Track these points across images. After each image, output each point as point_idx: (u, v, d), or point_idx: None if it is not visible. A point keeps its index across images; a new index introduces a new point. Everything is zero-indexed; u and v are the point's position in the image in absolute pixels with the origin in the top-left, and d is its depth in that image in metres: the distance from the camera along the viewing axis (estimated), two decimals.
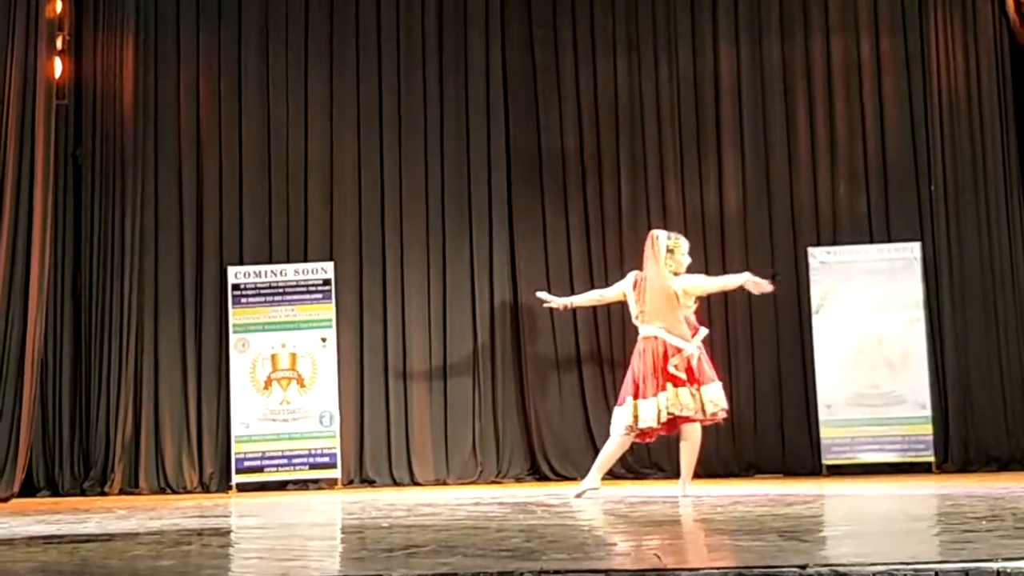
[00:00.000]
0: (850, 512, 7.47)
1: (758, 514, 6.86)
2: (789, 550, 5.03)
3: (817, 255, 11.03)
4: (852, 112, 11.35)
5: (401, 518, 7.40)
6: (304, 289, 11.13)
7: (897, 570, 4.19)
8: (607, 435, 8.81)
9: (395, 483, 11.10)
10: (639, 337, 8.64)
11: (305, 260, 11.28)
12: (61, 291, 11.24)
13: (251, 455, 10.94)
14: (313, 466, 10.98)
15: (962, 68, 11.25)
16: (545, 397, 11.34)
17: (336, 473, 10.98)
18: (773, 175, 11.36)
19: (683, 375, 8.42)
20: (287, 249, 11.35)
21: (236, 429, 10.96)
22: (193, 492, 10.91)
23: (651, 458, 10.86)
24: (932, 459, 10.70)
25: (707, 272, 9.60)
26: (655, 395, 8.40)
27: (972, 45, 11.26)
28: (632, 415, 8.47)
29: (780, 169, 11.35)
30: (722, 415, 8.59)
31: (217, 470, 11.07)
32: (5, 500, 10.03)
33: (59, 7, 10.89)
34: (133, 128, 11.39)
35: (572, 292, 10.35)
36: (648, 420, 8.42)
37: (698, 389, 8.45)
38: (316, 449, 10.98)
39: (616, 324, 10.84)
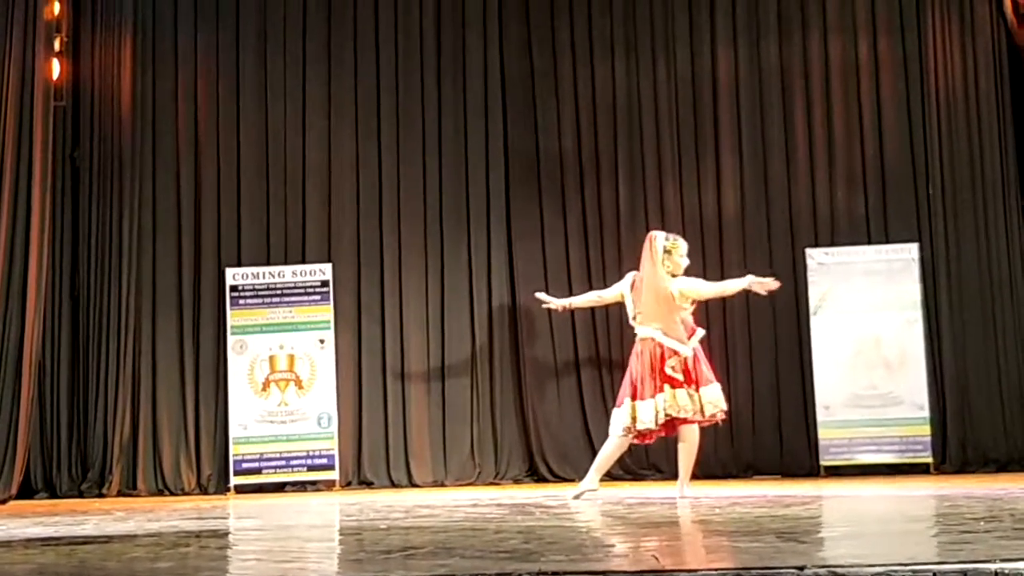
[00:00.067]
0: (848, 513, 7.47)
1: (756, 515, 6.86)
2: (787, 551, 5.04)
3: (815, 256, 11.03)
4: (850, 113, 11.36)
5: (399, 520, 7.41)
6: (302, 291, 11.12)
7: (895, 571, 4.19)
8: (605, 436, 8.82)
9: (393, 485, 11.10)
10: (637, 338, 8.65)
11: (303, 262, 11.27)
12: (59, 292, 11.23)
13: (249, 457, 10.94)
14: (311, 468, 10.97)
15: (960, 69, 11.25)
16: (543, 398, 11.33)
17: (334, 475, 10.98)
18: (771, 176, 11.36)
19: (680, 376, 8.43)
20: (285, 251, 11.35)
21: (234, 431, 10.95)
22: (191, 494, 10.90)
23: (649, 459, 10.86)
24: (930, 460, 10.70)
25: (705, 274, 9.62)
26: (653, 396, 8.41)
27: (970, 46, 11.26)
28: (630, 416, 8.48)
29: (778, 170, 11.35)
30: (721, 416, 8.60)
31: (215, 472, 11.07)
32: (3, 502, 10.02)
33: (57, 9, 10.88)
34: (131, 130, 11.38)
35: (570, 293, 10.34)
36: (646, 421, 8.42)
37: (696, 390, 8.45)
38: (314, 451, 10.97)
39: (614, 325, 10.83)
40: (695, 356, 8.55)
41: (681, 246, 8.72)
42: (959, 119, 11.21)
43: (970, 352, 10.96)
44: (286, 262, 11.26)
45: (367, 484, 11.11)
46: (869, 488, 9.15)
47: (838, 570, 4.22)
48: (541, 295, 9.44)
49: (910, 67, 11.31)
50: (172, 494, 10.89)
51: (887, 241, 11.09)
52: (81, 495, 10.87)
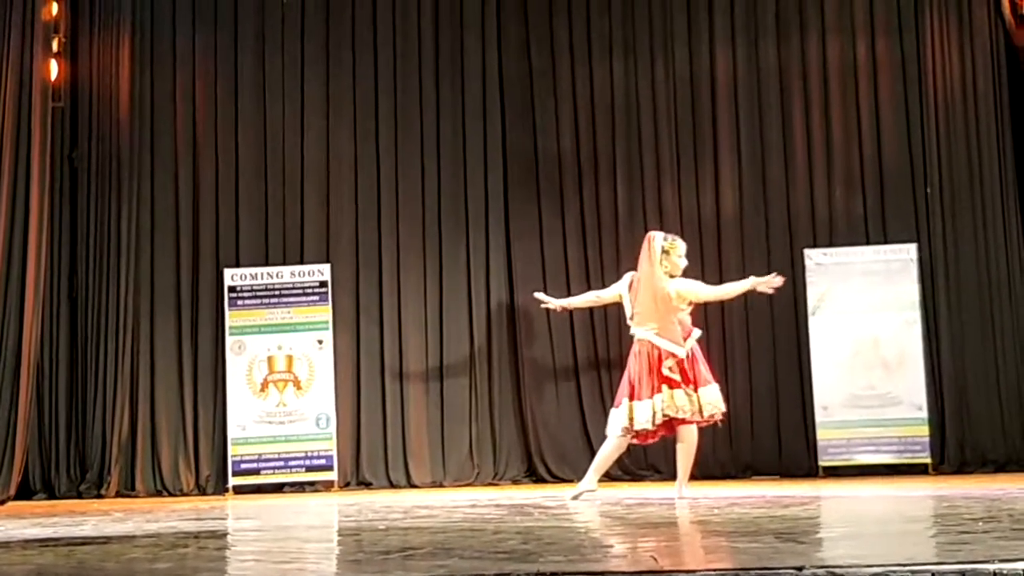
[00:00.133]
0: (846, 514, 7.47)
1: (755, 516, 6.86)
2: (786, 551, 5.04)
3: (813, 257, 11.03)
4: (848, 114, 11.36)
5: (398, 520, 7.40)
6: (300, 291, 11.12)
7: (894, 571, 4.19)
8: (604, 437, 8.81)
9: (392, 485, 11.09)
10: (634, 339, 8.65)
11: (301, 262, 11.27)
12: (57, 293, 11.23)
13: (247, 457, 10.93)
14: (310, 468, 10.97)
15: (958, 70, 11.25)
16: (542, 399, 11.33)
17: (333, 475, 10.97)
18: (769, 177, 11.36)
19: (678, 377, 8.42)
20: (283, 251, 11.35)
21: (232, 431, 10.95)
22: (189, 494, 10.90)
23: (648, 460, 10.86)
24: (928, 461, 10.70)
25: (704, 275, 9.62)
26: (650, 397, 8.40)
27: (968, 46, 11.26)
28: (628, 417, 8.47)
29: (776, 170, 11.35)
30: (719, 417, 8.59)
31: (213, 472, 11.07)
32: (1, 503, 10.02)
33: (55, 9, 10.87)
34: (129, 130, 11.38)
35: (569, 294, 10.34)
36: (643, 422, 8.42)
37: (695, 391, 8.45)
38: (312, 451, 10.97)
39: (613, 326, 10.82)
40: (693, 357, 8.55)
41: (679, 246, 8.72)
42: (957, 120, 11.21)
43: (968, 353, 10.96)
44: (284, 263, 11.26)
45: (366, 485, 11.11)
46: (867, 488, 9.15)
47: (837, 570, 4.22)
48: (539, 295, 9.44)
49: (908, 68, 11.31)
50: (170, 495, 10.89)
51: (885, 242, 11.09)
52: (79, 496, 10.87)
